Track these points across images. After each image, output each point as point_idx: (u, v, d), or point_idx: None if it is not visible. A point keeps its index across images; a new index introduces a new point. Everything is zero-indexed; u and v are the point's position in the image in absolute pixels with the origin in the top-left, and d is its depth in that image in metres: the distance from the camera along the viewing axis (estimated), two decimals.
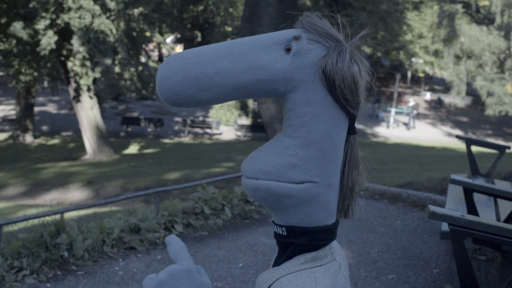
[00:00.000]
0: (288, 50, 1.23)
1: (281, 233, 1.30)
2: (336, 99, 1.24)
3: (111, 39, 22.97)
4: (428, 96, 48.61)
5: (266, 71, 1.22)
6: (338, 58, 1.24)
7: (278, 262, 1.33)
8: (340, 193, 1.33)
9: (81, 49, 22.18)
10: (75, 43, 22.29)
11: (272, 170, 1.24)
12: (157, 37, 27.81)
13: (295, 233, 1.28)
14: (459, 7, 46.21)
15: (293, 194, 1.24)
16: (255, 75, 1.21)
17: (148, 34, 27.41)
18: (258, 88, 1.23)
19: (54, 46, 21.66)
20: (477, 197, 5.31)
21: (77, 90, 24.48)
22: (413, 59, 53.53)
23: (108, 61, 24.31)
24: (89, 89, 24.45)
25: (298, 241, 1.28)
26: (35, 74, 25.18)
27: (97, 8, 21.67)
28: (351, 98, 1.25)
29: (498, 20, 41.33)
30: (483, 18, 52.24)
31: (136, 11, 25.72)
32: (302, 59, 1.23)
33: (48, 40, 21.32)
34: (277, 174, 1.23)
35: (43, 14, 21.57)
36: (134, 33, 26.07)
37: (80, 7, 21.44)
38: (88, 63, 22.99)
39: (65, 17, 21.73)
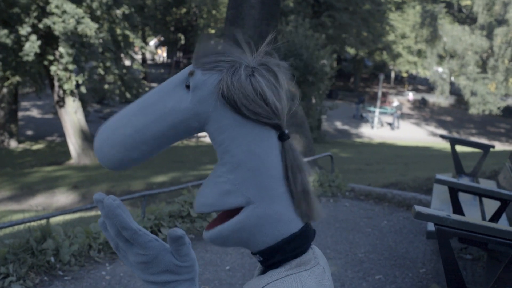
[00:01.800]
0: (187, 87, 1.26)
1: (259, 259, 1.32)
2: (246, 116, 1.23)
3: (95, 41, 22.90)
4: (410, 96, 48.77)
5: (175, 114, 1.25)
6: (233, 78, 1.23)
7: (263, 272, 1.34)
8: (293, 199, 1.31)
9: (67, 53, 22.11)
10: (61, 48, 22.21)
11: (211, 201, 1.26)
12: (138, 42, 27.75)
13: (269, 255, 1.29)
14: (441, 7, 46.42)
15: (240, 226, 1.25)
16: (168, 120, 1.25)
17: (131, 39, 27.34)
18: (176, 131, 1.26)
19: (38, 51, 21.56)
20: (462, 196, 5.34)
21: (61, 94, 24.38)
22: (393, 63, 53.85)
23: (95, 63, 24.29)
24: (72, 93, 24.34)
25: (275, 260, 1.28)
26: (19, 79, 25.01)
27: (80, 12, 21.60)
28: (262, 110, 1.24)
29: (480, 19, 41.55)
30: (465, 18, 52.50)
31: (118, 12, 25.64)
32: (201, 92, 1.24)
33: (32, 45, 21.23)
34: (217, 204, 1.25)
35: (26, 19, 21.49)
36: (119, 37, 25.97)
37: (63, 12, 21.36)
38: (70, 67, 22.91)
39: (47, 21, 21.64)
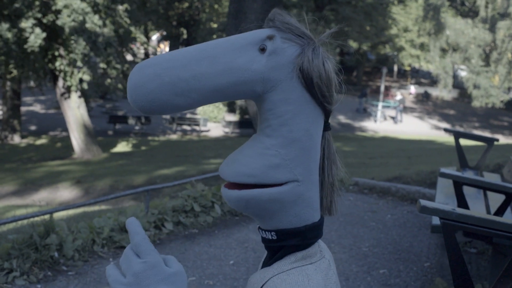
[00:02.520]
0: (262, 50, 1.23)
1: (270, 238, 1.30)
2: (314, 96, 1.25)
3: (99, 37, 22.93)
4: (412, 89, 48.73)
5: (243, 72, 1.20)
6: (313, 56, 1.24)
7: (268, 264, 1.33)
8: (321, 190, 1.34)
9: (79, 49, 22.21)
10: (73, 44, 22.32)
11: (256, 172, 1.22)
12: (141, 38, 27.73)
13: (286, 236, 1.28)
14: (444, 0, 46.33)
15: (279, 197, 1.23)
16: (232, 77, 1.20)
17: (133, 34, 27.33)
18: (235, 90, 1.21)
19: (42, 42, 21.55)
20: (467, 190, 5.32)
21: (64, 89, 24.39)
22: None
23: (98, 59, 24.33)
24: (76, 89, 24.36)
25: (289, 243, 1.28)
26: (22, 73, 25.01)
27: (85, 6, 21.61)
28: (328, 94, 1.26)
29: (482, 13, 41.47)
30: (468, 11, 52.36)
31: (121, 8, 25.64)
32: (278, 58, 1.22)
33: (36, 37, 21.23)
34: (262, 176, 1.22)
35: (29, 13, 21.48)
36: (121, 31, 25.98)
37: (72, 10, 21.37)
38: (79, 63, 22.99)
39: (58, 21, 21.66)
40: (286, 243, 1.28)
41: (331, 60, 1.30)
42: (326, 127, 1.32)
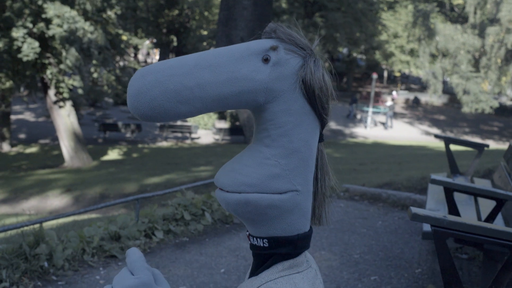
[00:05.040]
0: (266, 60, 1.22)
1: (262, 245, 1.29)
2: (314, 107, 1.26)
3: (92, 45, 22.93)
4: (394, 94, 48.71)
5: (247, 82, 1.20)
6: (315, 68, 1.25)
7: (255, 273, 1.32)
8: (314, 200, 1.35)
9: (71, 57, 22.21)
10: (64, 52, 22.30)
11: (256, 182, 1.22)
12: (134, 40, 27.74)
13: (278, 244, 1.28)
14: (433, 6, 46.51)
15: (278, 204, 1.23)
16: (237, 86, 1.19)
17: (125, 37, 27.31)
18: (238, 99, 1.20)
19: (38, 50, 21.49)
20: (458, 196, 5.33)
21: (55, 97, 24.33)
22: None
23: (93, 66, 24.35)
24: (68, 96, 24.31)
25: (280, 251, 1.28)
26: (12, 82, 24.95)
27: (74, 13, 21.58)
28: (327, 106, 1.28)
29: (471, 19, 41.64)
30: (457, 17, 52.57)
31: (110, 13, 25.63)
32: (281, 69, 1.23)
33: (30, 46, 21.17)
34: (261, 186, 1.22)
35: (19, 22, 21.44)
36: (109, 38, 25.96)
37: (62, 19, 21.33)
38: (68, 70, 22.99)
39: (41, 25, 21.61)
40: (277, 251, 1.28)
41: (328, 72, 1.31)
42: (321, 138, 1.33)
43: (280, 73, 1.22)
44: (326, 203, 1.38)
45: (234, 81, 1.19)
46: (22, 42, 21.37)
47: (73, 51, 22.29)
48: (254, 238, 1.30)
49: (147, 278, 1.17)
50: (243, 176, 1.23)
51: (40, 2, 21.45)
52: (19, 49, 21.74)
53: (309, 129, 1.26)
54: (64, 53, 22.55)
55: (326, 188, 1.36)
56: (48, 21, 22.00)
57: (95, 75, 25.65)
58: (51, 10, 21.22)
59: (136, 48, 31.04)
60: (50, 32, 21.54)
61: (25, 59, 21.37)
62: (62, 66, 22.81)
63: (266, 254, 1.30)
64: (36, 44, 21.37)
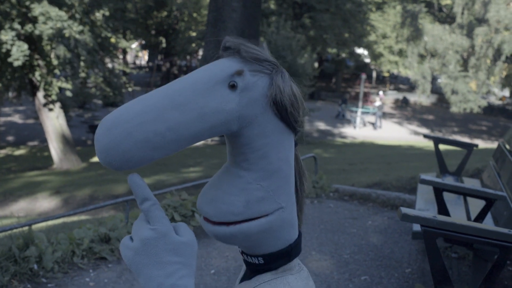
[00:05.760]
0: (232, 86, 1.19)
1: (257, 262, 1.29)
2: (288, 124, 1.24)
3: (79, 45, 22.85)
4: (381, 94, 48.76)
5: (218, 115, 1.17)
6: (283, 84, 1.23)
7: (248, 277, 1.33)
8: (297, 206, 1.36)
9: (60, 57, 22.15)
10: (54, 52, 22.23)
11: (242, 210, 1.21)
12: (122, 42, 27.67)
13: (273, 259, 1.28)
14: (421, 6, 46.61)
15: (268, 226, 1.23)
16: (208, 121, 1.16)
17: (113, 40, 27.25)
18: (212, 132, 1.18)
19: (27, 53, 21.37)
20: (447, 196, 5.34)
21: (43, 99, 24.24)
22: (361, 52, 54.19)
23: (81, 68, 24.27)
24: (56, 98, 24.22)
25: (276, 265, 1.28)
26: (2, 84, 24.84)
27: (63, 14, 21.49)
28: (299, 119, 1.26)
29: (458, 19, 41.75)
30: (446, 17, 52.69)
31: (98, 15, 25.57)
32: (250, 94, 1.20)
33: (19, 49, 21.05)
34: (248, 212, 1.21)
35: (7, 25, 21.34)
36: (99, 40, 25.88)
37: (48, 18, 21.23)
38: (58, 71, 22.93)
39: (35, 30, 21.52)
40: (273, 265, 1.28)
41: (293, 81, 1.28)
42: (295, 143, 1.31)
43: (249, 98, 1.20)
44: (304, 203, 1.39)
45: (205, 117, 1.15)
46: (11, 45, 21.27)
47: (61, 47, 22.16)
48: (249, 256, 1.30)
49: (165, 229, 1.14)
50: (227, 206, 1.22)
51: (27, 3, 21.36)
52: (8, 53, 21.63)
53: (286, 145, 1.25)
54: (52, 54, 22.44)
55: (304, 191, 1.37)
56: (35, 21, 21.89)
57: (82, 74, 25.55)
58: (37, 9, 21.12)
59: (124, 51, 30.93)
60: (37, 31, 21.42)
61: (15, 64, 21.25)
62: (53, 61, 22.68)
63: (262, 269, 1.30)
64: (25, 46, 21.24)
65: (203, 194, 1.30)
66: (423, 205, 6.11)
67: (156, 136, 1.11)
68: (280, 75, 1.23)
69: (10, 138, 34.07)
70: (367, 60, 57.54)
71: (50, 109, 24.40)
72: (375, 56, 53.22)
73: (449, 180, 6.71)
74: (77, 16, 23.38)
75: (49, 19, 21.24)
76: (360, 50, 55.58)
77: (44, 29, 21.25)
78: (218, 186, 1.26)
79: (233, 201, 1.22)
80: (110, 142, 1.09)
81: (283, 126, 1.23)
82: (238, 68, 1.20)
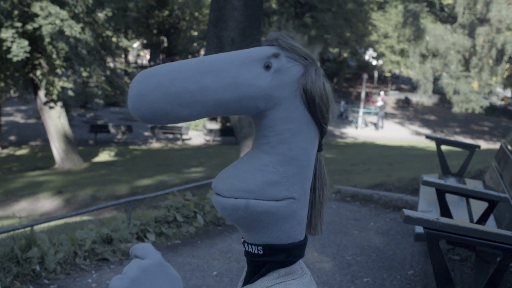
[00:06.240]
0: (267, 67, 1.22)
1: (256, 252, 1.29)
2: (314, 116, 1.26)
3: (80, 45, 22.84)
4: (382, 94, 48.60)
5: (248, 88, 1.20)
6: (316, 77, 1.25)
7: (250, 281, 1.32)
8: (312, 209, 1.35)
9: (59, 54, 22.15)
10: (52, 48, 22.21)
11: (254, 188, 1.21)
12: (124, 42, 27.67)
13: (272, 251, 1.27)
14: (423, 6, 46.59)
15: (274, 211, 1.22)
16: (238, 92, 1.19)
17: (114, 39, 27.26)
18: (239, 105, 1.20)
19: (28, 49, 21.35)
20: (449, 197, 5.33)
21: (44, 99, 24.25)
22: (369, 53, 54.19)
23: (82, 68, 24.27)
24: (57, 98, 24.22)
25: (274, 259, 1.27)
26: (2, 84, 24.84)
27: (64, 13, 21.48)
28: (327, 115, 1.28)
29: (460, 19, 41.72)
30: (447, 17, 52.65)
31: (100, 15, 25.56)
32: (283, 77, 1.22)
33: (19, 45, 21.04)
34: (259, 192, 1.21)
35: (8, 23, 21.33)
36: (100, 40, 25.88)
37: (48, 14, 21.21)
38: (58, 69, 22.91)
39: (34, 25, 21.50)
40: (271, 258, 1.27)
41: (328, 81, 1.30)
42: (320, 148, 1.32)
43: (281, 81, 1.22)
44: (323, 213, 1.37)
45: (235, 87, 1.19)
46: (12, 42, 21.27)
47: (61, 43, 22.12)
48: (249, 245, 1.30)
49: (161, 259, 1.19)
50: (240, 182, 1.23)
51: (28, 0, 21.37)
52: (8, 50, 21.64)
53: (309, 137, 1.26)
54: (52, 47, 22.40)
55: (324, 198, 1.35)
56: (35, 17, 21.86)
57: (84, 74, 25.57)
58: (37, 7, 21.11)
59: (126, 50, 30.99)
60: (36, 25, 21.38)
61: (15, 59, 21.23)
62: (56, 62, 22.66)
63: (261, 262, 1.29)
64: (26, 43, 21.24)
65: (220, 173, 1.32)
66: (426, 207, 6.10)
67: (186, 93, 1.15)
68: (315, 69, 1.26)
69: (12, 138, 34.11)
70: (378, 62, 57.51)
71: (51, 107, 24.41)
72: (378, 56, 53.30)
73: (451, 182, 6.70)
74: (81, 15, 23.36)
75: (49, 15, 21.22)
76: (369, 52, 55.64)
77: (44, 23, 21.23)
78: (236, 166, 1.28)
79: (247, 179, 1.23)
80: (142, 89, 1.14)
81: (309, 117, 1.25)
82: (275, 51, 1.24)
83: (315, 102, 1.24)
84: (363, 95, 42.25)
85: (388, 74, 63.95)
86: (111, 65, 30.21)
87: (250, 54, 1.23)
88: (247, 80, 1.20)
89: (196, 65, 1.19)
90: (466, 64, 42.28)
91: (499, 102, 56.17)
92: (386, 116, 46.32)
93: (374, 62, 58.25)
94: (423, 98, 47.73)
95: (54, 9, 21.17)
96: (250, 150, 1.30)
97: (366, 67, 59.14)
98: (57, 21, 21.32)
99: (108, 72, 26.72)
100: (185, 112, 1.16)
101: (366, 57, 57.39)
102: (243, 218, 1.25)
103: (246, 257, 1.34)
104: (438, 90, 53.71)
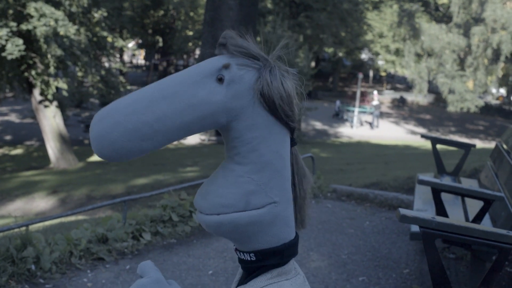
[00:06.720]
0: (220, 80, 1.21)
1: (249, 259, 1.29)
2: (278, 117, 1.25)
3: (74, 45, 22.81)
4: (375, 93, 48.66)
5: (205, 106, 1.19)
6: (271, 78, 1.24)
7: (244, 282, 1.32)
8: (295, 205, 1.36)
9: (53, 55, 22.07)
10: (48, 50, 22.15)
11: (233, 202, 1.22)
12: (119, 42, 27.64)
13: (265, 256, 1.28)
14: (418, 5, 46.63)
15: (258, 219, 1.24)
16: (196, 112, 1.18)
17: (110, 39, 27.22)
18: (200, 124, 1.20)
19: (23, 48, 21.28)
20: (445, 196, 5.34)
21: (39, 98, 24.20)
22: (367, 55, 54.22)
23: (78, 68, 24.22)
24: (52, 98, 24.17)
25: (268, 263, 1.28)
26: None
27: (59, 14, 21.44)
28: (291, 112, 1.27)
29: (455, 19, 41.74)
30: (442, 16, 52.71)
31: (96, 15, 25.52)
32: (237, 87, 1.22)
33: (14, 44, 20.98)
34: (239, 205, 1.22)
35: (2, 22, 21.28)
36: (98, 39, 25.84)
37: (42, 15, 21.17)
38: (52, 70, 22.84)
39: (28, 25, 21.45)
40: (265, 263, 1.28)
41: (289, 75, 1.30)
42: (293, 142, 1.32)
43: (236, 91, 1.22)
44: (307, 205, 1.39)
45: (192, 108, 1.18)
46: (6, 40, 21.21)
47: (55, 46, 22.06)
48: (241, 253, 1.31)
49: (158, 277, 1.21)
50: (219, 198, 1.24)
51: (24, 0, 21.33)
52: (3, 48, 21.58)
53: (277, 139, 1.25)
54: (46, 47, 22.36)
55: (306, 192, 1.36)
56: (29, 18, 21.81)
57: (79, 73, 25.53)
58: (31, 8, 21.07)
59: (121, 50, 31.00)
60: (30, 26, 21.33)
61: (9, 57, 21.18)
62: (48, 58, 22.60)
63: (255, 267, 1.29)
64: (20, 41, 21.18)
65: (199, 190, 1.32)
66: (421, 206, 6.11)
67: (144, 126, 1.14)
68: (269, 70, 1.25)
69: (7, 138, 34.03)
70: (377, 60, 57.53)
71: (46, 106, 24.34)
72: (372, 56, 53.37)
73: (447, 181, 6.72)
74: (77, 15, 23.32)
75: (43, 16, 21.17)
76: (369, 54, 55.72)
77: (38, 25, 21.18)
78: (212, 181, 1.28)
79: (224, 193, 1.23)
80: (100, 131, 1.14)
81: (273, 120, 1.24)
82: (224, 62, 1.22)
83: (275, 104, 1.23)
84: (358, 94, 42.25)
85: (383, 74, 64.02)
86: (106, 64, 30.17)
87: (201, 71, 1.22)
88: (203, 98, 1.19)
89: (151, 94, 1.17)
90: (461, 63, 42.31)
91: (494, 101, 56.23)
92: (382, 115, 46.34)
93: (378, 61, 58.18)
94: (418, 97, 47.81)
95: (49, 9, 21.12)
96: (223, 161, 1.30)
97: (362, 66, 59.17)
98: (52, 22, 21.27)
99: (103, 72, 26.69)
100: (148, 145, 1.16)
101: (366, 57, 57.35)
102: (229, 232, 1.25)
103: (240, 264, 1.34)
104: (433, 89, 53.77)
